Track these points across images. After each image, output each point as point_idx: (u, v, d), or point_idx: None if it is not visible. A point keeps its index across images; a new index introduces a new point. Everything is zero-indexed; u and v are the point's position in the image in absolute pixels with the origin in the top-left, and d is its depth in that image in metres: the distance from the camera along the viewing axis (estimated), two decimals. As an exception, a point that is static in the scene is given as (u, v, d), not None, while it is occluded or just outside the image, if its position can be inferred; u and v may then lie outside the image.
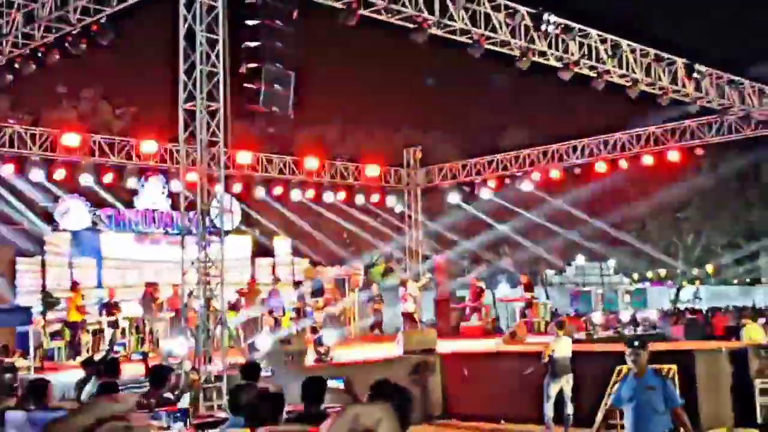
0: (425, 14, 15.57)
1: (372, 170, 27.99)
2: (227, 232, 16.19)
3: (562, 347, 14.22)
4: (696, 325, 25.90)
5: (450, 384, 17.08)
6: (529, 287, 24.80)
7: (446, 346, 18.48)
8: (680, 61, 19.96)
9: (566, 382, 14.00)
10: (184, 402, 9.75)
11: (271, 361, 14.29)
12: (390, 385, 3.95)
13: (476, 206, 31.25)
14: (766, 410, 14.39)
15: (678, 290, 46.71)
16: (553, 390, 13.98)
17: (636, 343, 8.02)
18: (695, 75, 19.99)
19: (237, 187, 24.88)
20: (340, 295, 24.75)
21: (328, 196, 27.38)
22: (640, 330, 22.83)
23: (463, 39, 16.64)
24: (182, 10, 13.27)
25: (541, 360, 14.27)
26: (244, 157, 24.57)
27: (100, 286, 23.01)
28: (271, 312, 21.25)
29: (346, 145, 35.61)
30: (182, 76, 13.16)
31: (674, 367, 13.92)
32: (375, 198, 28.65)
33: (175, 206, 24.60)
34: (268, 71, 13.84)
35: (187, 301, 13.99)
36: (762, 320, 19.62)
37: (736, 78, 21.39)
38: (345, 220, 31.21)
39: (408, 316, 22.25)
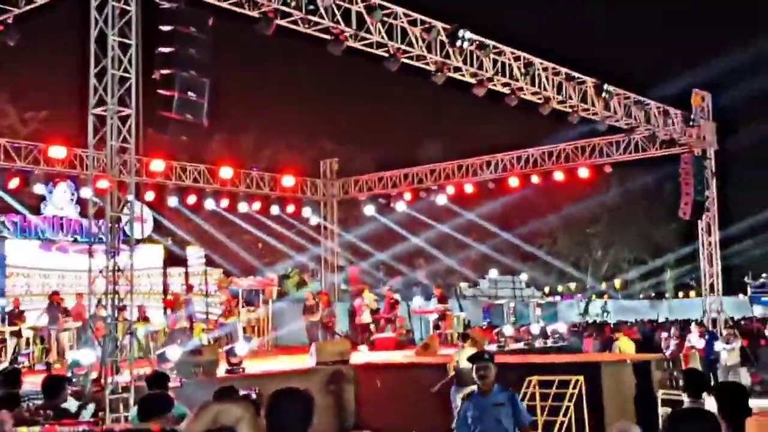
0: (342, 26, 15.62)
1: (288, 180, 27.88)
2: (138, 241, 15.90)
3: (466, 358, 14.40)
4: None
5: (363, 396, 17.08)
6: (442, 299, 25.02)
7: (360, 358, 18.48)
8: (590, 81, 20.51)
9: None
10: (88, 414, 9.50)
11: (181, 372, 14.06)
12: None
13: (391, 218, 31.47)
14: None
15: (587, 304, 47.82)
16: (459, 400, 14.12)
17: (486, 356, 7.60)
18: (604, 95, 20.56)
19: (149, 196, 24.46)
20: (252, 305, 24.53)
21: (243, 206, 27.14)
22: (549, 342, 23.27)
23: (380, 52, 16.75)
24: (93, 13, 12.99)
25: (447, 372, 14.45)
26: (157, 165, 24.16)
27: (2, 294, 22.26)
28: (190, 320, 20.95)
29: (262, 155, 35.40)
30: (92, 80, 12.88)
31: (581, 378, 14.23)
32: (291, 208, 28.53)
33: (84, 213, 23.99)
34: (182, 78, 13.66)
35: (94, 310, 13.66)
36: (695, 330, 20.32)
37: (643, 99, 22.10)
38: (260, 231, 31.00)
39: (363, 329, 22.32)
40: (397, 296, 26.07)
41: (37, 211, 24.24)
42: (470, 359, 7.29)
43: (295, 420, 3.59)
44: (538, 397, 14.05)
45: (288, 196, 28.21)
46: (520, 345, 22.64)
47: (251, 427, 0.79)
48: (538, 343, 22.95)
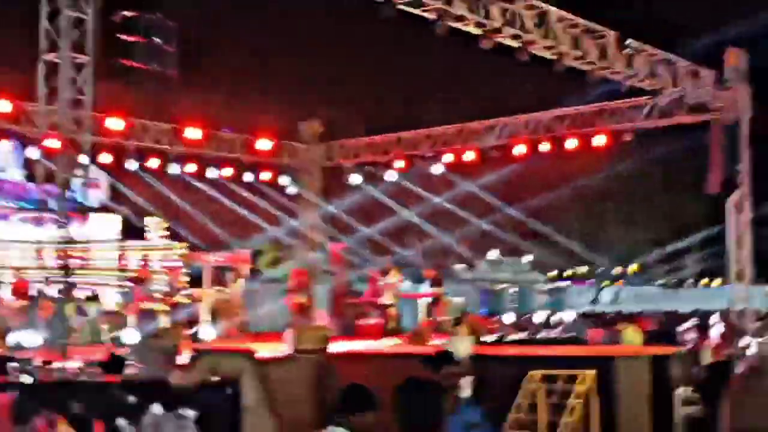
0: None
1: (263, 144, 27.81)
2: (92, 209, 15.83)
3: (462, 346, 14.47)
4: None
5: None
6: (436, 282, 25.08)
7: (340, 346, 18.53)
8: (611, 34, 20.47)
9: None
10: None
11: (137, 358, 14.05)
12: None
13: (381, 189, 31.43)
14: (686, 421, 14.97)
15: (598, 290, 48.10)
16: (453, 395, 14.19)
17: (451, 357, 6.43)
18: (627, 50, 20.53)
19: (105, 158, 24.28)
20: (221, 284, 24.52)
21: (212, 172, 27.05)
22: (555, 333, 23.37)
23: (373, -3, 16.64)
24: (46, -55, 12.86)
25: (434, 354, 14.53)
26: (115, 123, 23.94)
27: (-66, 267, 22.15)
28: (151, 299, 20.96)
29: (234, 114, 35.19)
30: (44, 22, 12.78)
31: (593, 372, 14.31)
32: (266, 176, 28.45)
33: (30, 177, 23.84)
34: (148, 21, 13.54)
35: (41, 287, 13.65)
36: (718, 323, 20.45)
37: (670, 56, 22.07)
38: (231, 200, 30.91)
39: (384, 310, 22.44)
40: (384, 278, 26.14)
41: (-25, 173, 24.11)
42: (435, 361, 6.65)
43: (427, 413, 3.58)
44: (541, 395, 14.13)
45: (263, 162, 28.13)
46: (523, 335, 22.74)
47: (252, 383, 0.78)
48: (543, 334, 23.06)
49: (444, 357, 6.28)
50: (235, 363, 2.67)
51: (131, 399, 5.75)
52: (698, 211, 44.26)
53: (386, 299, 22.82)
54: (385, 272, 23.56)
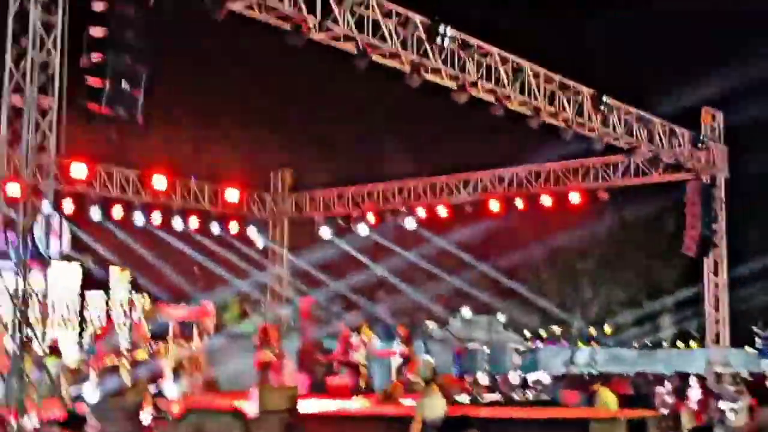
0: (305, 14, 15.60)
1: (232, 194, 27.71)
2: (53, 259, 15.60)
3: (433, 407, 14.32)
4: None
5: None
6: (407, 340, 24.89)
7: (309, 406, 18.28)
8: (587, 91, 20.69)
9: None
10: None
11: (98, 415, 13.76)
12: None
13: (351, 242, 31.36)
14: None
15: (573, 351, 47.99)
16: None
17: (472, 422, 5.98)
18: (602, 107, 20.74)
19: (67, 205, 24.06)
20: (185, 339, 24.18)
21: (178, 223, 26.86)
22: (530, 394, 23.28)
23: (347, 46, 16.75)
24: (13, -15, 12.84)
25: (413, 426, 14.30)
26: (79, 170, 23.81)
27: None
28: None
29: (201, 162, 35.12)
30: (9, 64, 12.70)
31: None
32: (234, 227, 28.30)
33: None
34: (116, 65, 13.49)
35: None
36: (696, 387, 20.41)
37: (646, 114, 22.32)
38: (197, 252, 30.69)
39: (354, 369, 22.08)
40: (353, 334, 25.94)
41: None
42: (452, 425, 6.43)
43: None
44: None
45: (231, 213, 27.98)
46: (496, 396, 22.60)
47: None
48: (517, 395, 22.94)
49: (461, 422, 6.01)
50: (223, 422, 2.54)
51: None
52: (674, 272, 44.54)
53: (357, 357, 22.59)
54: (356, 329, 23.36)
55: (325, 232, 29.33)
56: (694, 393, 20.53)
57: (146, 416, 15.22)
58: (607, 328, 52.83)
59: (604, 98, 20.79)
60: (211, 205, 27.36)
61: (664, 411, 19.69)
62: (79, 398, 14.43)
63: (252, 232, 28.68)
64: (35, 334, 12.92)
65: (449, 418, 6.51)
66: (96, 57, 13.57)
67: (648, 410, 18.82)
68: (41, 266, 13.34)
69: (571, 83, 20.55)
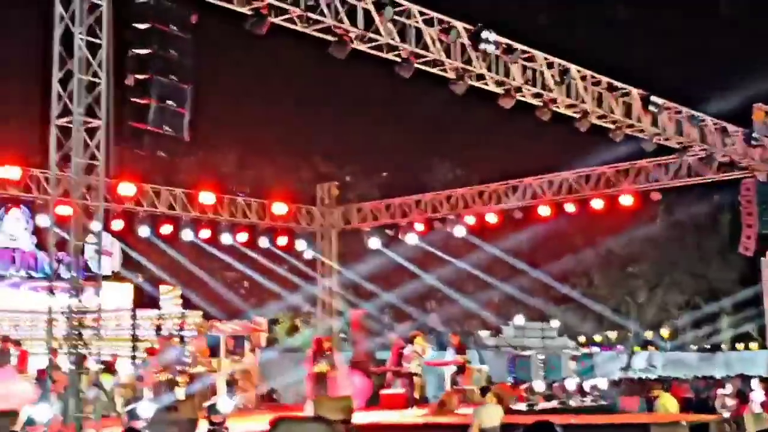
0: (347, 25, 15.68)
1: (279, 208, 27.86)
2: (105, 277, 15.87)
3: (490, 416, 14.32)
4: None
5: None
6: (460, 349, 24.87)
7: (363, 417, 18.36)
8: (635, 92, 20.53)
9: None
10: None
11: (153, 431, 13.95)
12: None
13: (400, 252, 31.42)
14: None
15: (630, 356, 47.58)
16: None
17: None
18: (652, 108, 20.56)
19: (117, 224, 24.40)
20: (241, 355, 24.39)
21: (226, 238, 27.09)
22: (588, 400, 23.12)
23: (391, 56, 16.80)
24: (58, 8, 13.09)
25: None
26: (126, 189, 24.11)
27: (-56, 339, 22.19)
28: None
29: (248, 178, 35.46)
30: (56, 86, 12.93)
31: (628, 442, 14.14)
32: (282, 241, 28.48)
33: (40, 245, 24.00)
34: (160, 84, 13.71)
35: (53, 359, 13.61)
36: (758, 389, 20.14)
37: (697, 113, 22.08)
38: (246, 266, 30.95)
39: (408, 379, 22.13)
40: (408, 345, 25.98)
41: (-16, 242, 24.29)
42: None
43: None
44: (576, 465, 13.95)
45: (279, 226, 28.17)
46: (554, 404, 22.49)
47: None
48: (574, 402, 22.81)
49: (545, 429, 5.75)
50: (310, 428, 2.54)
51: None
52: (732, 273, 43.96)
53: (411, 368, 22.55)
54: (409, 340, 23.35)
55: (374, 243, 29.39)
56: (757, 395, 20.26)
57: (201, 431, 15.40)
58: (665, 332, 52.29)
59: (654, 98, 20.60)
60: (259, 219, 27.52)
61: (726, 414, 19.47)
62: (134, 415, 14.60)
63: (300, 244, 28.81)
64: (90, 352, 13.11)
65: (534, 424, 6.30)
66: (140, 76, 13.77)
67: (709, 414, 18.65)
68: (94, 285, 13.54)
69: (619, 84, 20.40)
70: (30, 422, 13.56)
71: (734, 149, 22.89)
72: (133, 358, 25.14)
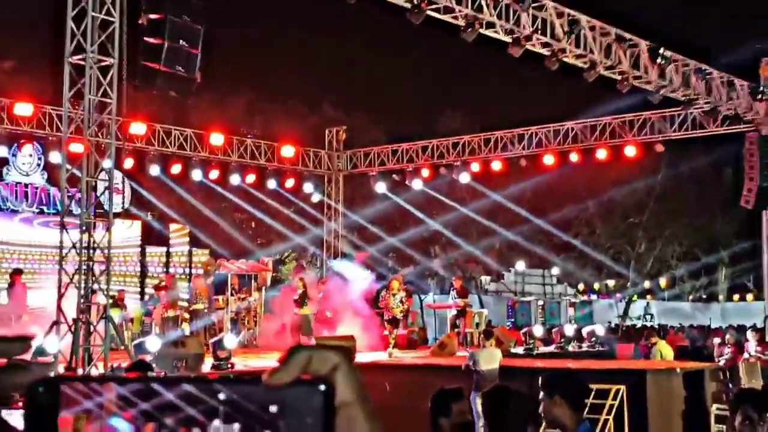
0: (359, -30, 15.54)
1: (288, 151, 27.82)
2: (116, 215, 15.91)
3: (488, 358, 14.44)
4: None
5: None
6: (462, 293, 24.96)
7: (366, 357, 18.49)
8: (644, 43, 20.37)
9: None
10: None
11: (160, 365, 14.08)
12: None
13: (405, 197, 31.43)
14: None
15: (627, 304, 47.81)
16: (480, 405, 14.13)
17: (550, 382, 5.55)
18: (660, 60, 20.41)
19: (127, 163, 24.38)
20: (247, 293, 24.49)
21: (235, 178, 27.10)
22: (585, 346, 23.24)
23: (401, 2, 16.66)
24: (73, -53, 12.95)
25: (462, 367, 14.57)
26: (137, 128, 24.05)
27: (-44, 271, 22.37)
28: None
29: (258, 121, 35.34)
30: (70, 24, 12.84)
31: (623, 387, 14.21)
32: (290, 183, 28.49)
33: (52, 181, 24.03)
34: (173, 24, 13.60)
35: (64, 292, 13.70)
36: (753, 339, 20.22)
37: (704, 66, 21.92)
38: (254, 207, 30.99)
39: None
40: (409, 288, 26.07)
41: (-3, 177, 24.29)
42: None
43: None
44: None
45: (287, 169, 28.16)
46: (551, 348, 22.62)
47: (347, 378, 0.76)
48: (572, 347, 22.94)
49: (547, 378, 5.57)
50: (329, 358, 2.57)
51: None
52: (731, 225, 43.95)
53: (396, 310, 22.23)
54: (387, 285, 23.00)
55: (380, 187, 29.40)
56: (751, 345, 20.37)
57: (206, 366, 15.55)
58: (663, 282, 52.45)
59: (662, 50, 20.45)
60: (268, 161, 27.49)
61: (722, 363, 19.60)
62: (142, 349, 14.74)
63: (308, 187, 28.85)
64: (99, 287, 13.20)
65: (556, 370, 6.20)
66: (154, 16, 13.69)
67: (704, 362, 18.76)
68: (104, 221, 13.58)
69: (628, 36, 20.23)
70: (40, 352, 13.70)
71: (739, 103, 22.76)
72: (141, 293, 25.29)
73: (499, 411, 4.64)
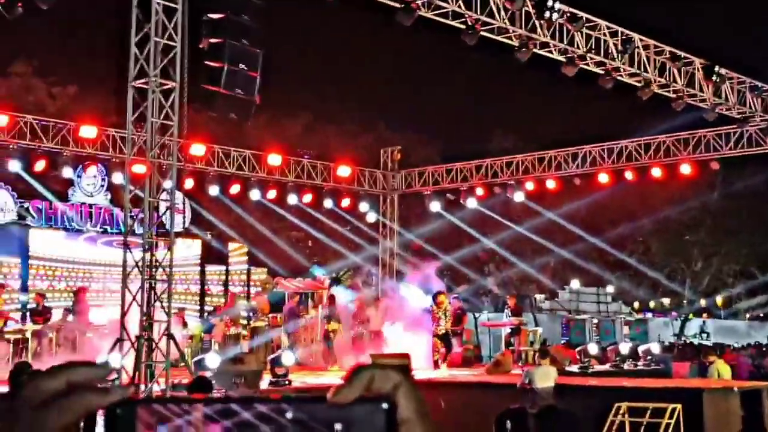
0: (414, -7, 15.60)
1: (344, 171, 27.95)
2: (177, 234, 16.11)
3: (544, 376, 14.34)
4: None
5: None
6: (516, 311, 24.83)
7: (421, 375, 18.45)
8: (698, 62, 20.16)
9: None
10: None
11: (219, 382, 14.20)
12: None
13: (460, 216, 31.37)
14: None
15: (683, 323, 47.10)
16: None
17: None
18: (714, 78, 20.18)
19: (188, 183, 24.70)
20: (304, 311, 24.61)
21: (292, 198, 27.28)
22: (641, 365, 22.96)
23: (456, 23, 16.70)
24: (136, -26, 13.20)
25: (518, 386, 14.49)
26: (197, 149, 24.33)
27: (24, 288, 22.76)
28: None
29: (314, 142, 35.58)
30: (134, 49, 13.08)
31: (679, 406, 14.03)
32: (346, 202, 28.61)
33: (115, 201, 24.44)
34: (233, 48, 13.78)
35: (127, 309, 13.89)
36: None
37: (760, 84, 21.63)
38: (310, 226, 31.17)
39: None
40: (463, 306, 26.00)
41: (64, 198, 24.72)
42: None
43: None
44: (627, 427, 13.91)
45: (343, 188, 28.28)
46: (606, 367, 22.38)
47: (409, 395, 0.77)
48: (627, 365, 22.67)
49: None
50: (391, 377, 2.55)
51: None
52: (788, 243, 43.13)
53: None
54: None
55: (435, 206, 29.40)
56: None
57: (264, 383, 15.64)
58: (719, 300, 51.60)
59: (716, 68, 20.23)
60: (324, 181, 27.64)
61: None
62: (202, 366, 14.89)
63: (363, 206, 28.96)
64: (161, 305, 13.37)
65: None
66: (214, 40, 13.89)
67: (762, 381, 18.42)
68: (166, 241, 13.76)
69: (682, 54, 20.05)
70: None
71: (795, 120, 22.41)
72: (201, 311, 25.55)
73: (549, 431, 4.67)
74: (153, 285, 13.24)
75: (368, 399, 0.95)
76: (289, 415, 0.91)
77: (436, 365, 20.50)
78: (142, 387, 12.51)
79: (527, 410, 5.57)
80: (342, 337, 22.37)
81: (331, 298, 23.37)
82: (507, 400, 15.84)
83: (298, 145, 32.03)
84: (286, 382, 15.85)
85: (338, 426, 0.92)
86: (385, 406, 0.94)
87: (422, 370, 19.70)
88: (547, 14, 16.91)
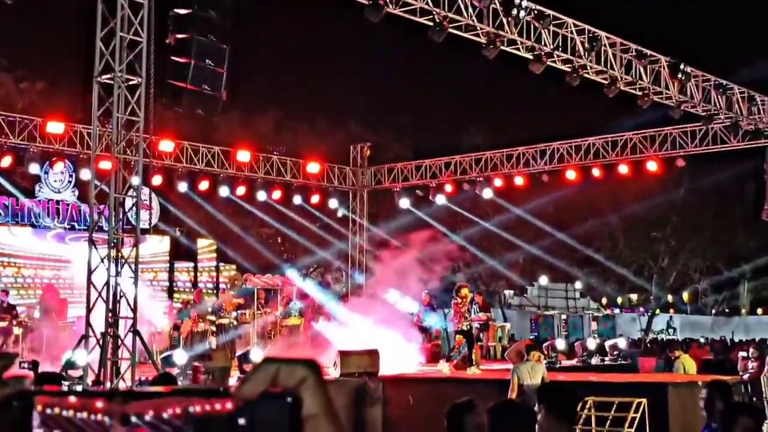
0: (381, -11, 15.55)
1: (313, 167, 27.88)
2: (144, 231, 15.97)
3: (530, 373, 14.05)
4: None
5: (392, 414, 17.01)
6: (484, 307, 24.81)
7: (389, 370, 18.42)
8: (664, 60, 20.27)
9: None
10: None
11: (187, 378, 14.10)
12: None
13: (429, 213, 31.37)
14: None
15: (650, 318, 47.45)
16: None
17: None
18: (680, 76, 20.30)
19: (156, 180, 24.48)
20: (271, 308, 24.53)
21: (262, 195, 27.17)
22: (608, 360, 23.08)
23: (424, 20, 16.67)
24: (102, -31, 13.06)
25: (510, 393, 14.00)
26: (165, 146, 24.16)
27: (-9, 285, 22.50)
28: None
29: (284, 138, 35.45)
30: (99, 44, 12.94)
31: (644, 400, 14.08)
32: (315, 199, 28.54)
33: (82, 198, 24.21)
34: (200, 43, 13.67)
35: (92, 306, 13.74)
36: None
37: (724, 82, 21.79)
38: (280, 222, 31.06)
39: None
40: (432, 302, 25.98)
41: (31, 194, 24.46)
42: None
43: None
44: (593, 421, 13.95)
45: (312, 185, 28.21)
46: (574, 362, 22.48)
47: (315, 392, 0.74)
48: (595, 360, 22.79)
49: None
50: (297, 372, 2.49)
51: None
52: (753, 239, 43.55)
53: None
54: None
55: (404, 203, 29.40)
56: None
57: (232, 380, 15.55)
58: (685, 295, 52.05)
59: (682, 66, 20.34)
60: (293, 177, 27.55)
61: (745, 376, 19.39)
62: (169, 362, 14.78)
63: (333, 203, 28.91)
64: (128, 302, 13.24)
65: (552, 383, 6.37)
66: (181, 35, 13.77)
67: (727, 375, 18.56)
68: (132, 237, 13.64)
69: (648, 52, 20.15)
70: (70, 365, 13.77)
71: (760, 118, 22.60)
72: (169, 308, 25.39)
73: (503, 426, 4.64)
74: (118, 282, 13.12)
75: (273, 394, 0.91)
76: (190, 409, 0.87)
77: (458, 367, 19.57)
78: (108, 384, 12.39)
79: (475, 402, 5.53)
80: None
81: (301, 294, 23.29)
82: (475, 395, 15.85)
83: (268, 142, 31.92)
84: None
85: (242, 421, 0.88)
86: (289, 400, 0.90)
87: (393, 366, 19.64)
88: (514, 12, 16.92)
